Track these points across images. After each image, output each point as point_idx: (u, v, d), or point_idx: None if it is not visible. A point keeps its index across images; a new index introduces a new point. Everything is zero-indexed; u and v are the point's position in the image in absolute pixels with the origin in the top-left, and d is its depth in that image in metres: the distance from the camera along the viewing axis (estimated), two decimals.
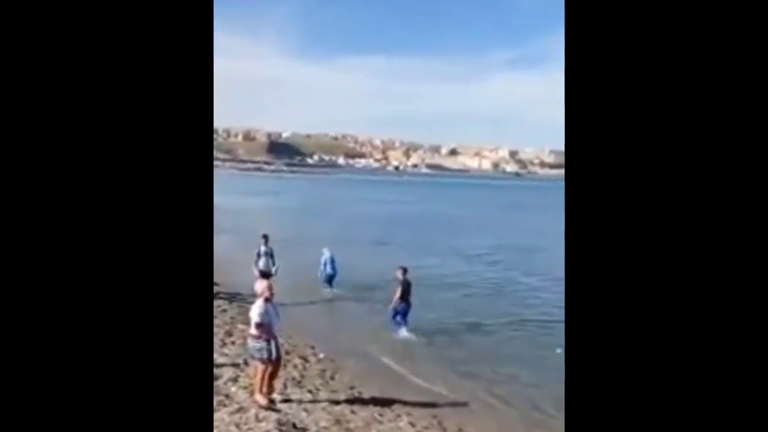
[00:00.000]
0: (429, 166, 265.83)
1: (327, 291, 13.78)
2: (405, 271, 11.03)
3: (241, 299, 12.59)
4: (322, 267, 13.93)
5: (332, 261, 13.94)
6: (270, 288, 6.69)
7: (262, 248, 12.81)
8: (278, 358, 6.80)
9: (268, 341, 6.50)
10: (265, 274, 12.51)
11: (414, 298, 11.18)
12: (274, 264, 12.84)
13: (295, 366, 8.44)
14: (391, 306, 10.92)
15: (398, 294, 10.81)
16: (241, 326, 10.33)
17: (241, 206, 37.62)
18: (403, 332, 10.89)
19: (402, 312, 10.93)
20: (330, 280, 13.91)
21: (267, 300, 6.60)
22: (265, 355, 6.51)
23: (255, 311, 6.55)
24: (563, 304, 2.63)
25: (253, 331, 6.58)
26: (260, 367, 6.61)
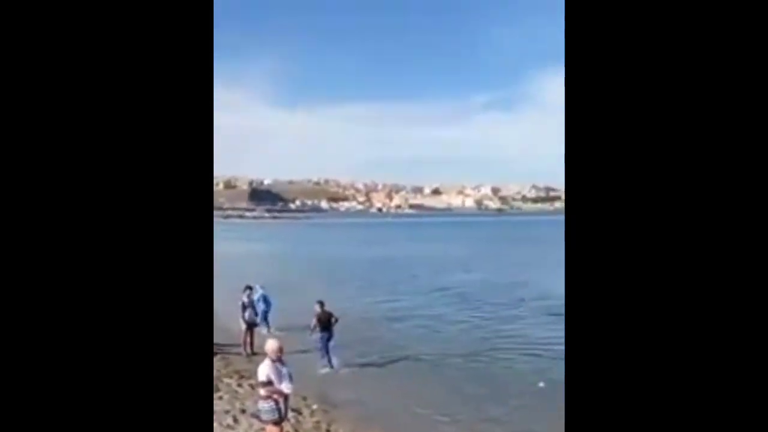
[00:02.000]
0: (412, 206, 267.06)
1: (265, 330, 13.72)
2: (322, 304, 11.62)
3: (225, 350, 12.41)
4: (256, 303, 13.99)
5: (265, 298, 14.48)
6: (280, 350, 6.49)
7: (245, 299, 12.73)
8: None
9: (276, 401, 6.28)
10: (251, 325, 12.45)
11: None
12: (256, 314, 12.85)
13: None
14: (313, 337, 11.46)
15: (313, 325, 11.46)
16: (226, 380, 10.17)
17: (222, 253, 37.28)
18: (325, 369, 11.20)
19: (324, 344, 11.40)
20: (265, 316, 14.24)
21: (275, 360, 6.39)
22: (277, 416, 6.29)
23: (263, 371, 6.33)
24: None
25: (262, 391, 6.37)
26: (273, 429, 6.34)
